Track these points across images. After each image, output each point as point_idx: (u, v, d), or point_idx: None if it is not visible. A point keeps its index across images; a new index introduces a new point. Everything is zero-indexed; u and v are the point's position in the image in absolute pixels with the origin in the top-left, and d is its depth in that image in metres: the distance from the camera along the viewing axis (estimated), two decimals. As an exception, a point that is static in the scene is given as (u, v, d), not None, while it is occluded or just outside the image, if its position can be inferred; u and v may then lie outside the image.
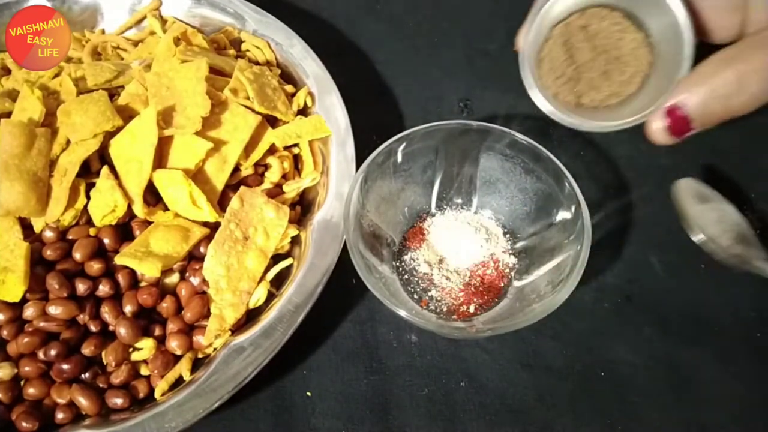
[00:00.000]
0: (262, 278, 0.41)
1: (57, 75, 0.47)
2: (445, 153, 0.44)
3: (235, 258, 0.40)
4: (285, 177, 0.47)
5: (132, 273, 0.40)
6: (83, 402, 0.36)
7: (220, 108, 0.45)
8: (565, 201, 0.40)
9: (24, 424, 0.35)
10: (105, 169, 0.41)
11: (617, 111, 0.31)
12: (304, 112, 0.50)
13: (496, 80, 0.57)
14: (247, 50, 0.53)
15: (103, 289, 0.39)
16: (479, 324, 0.40)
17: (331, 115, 0.48)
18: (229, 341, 0.38)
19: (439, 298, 0.43)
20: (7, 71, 0.50)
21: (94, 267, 0.39)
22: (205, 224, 0.42)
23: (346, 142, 0.46)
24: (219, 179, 0.43)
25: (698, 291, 0.45)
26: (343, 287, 0.43)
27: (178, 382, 0.38)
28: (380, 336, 0.43)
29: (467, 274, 0.43)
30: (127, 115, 0.43)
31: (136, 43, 0.53)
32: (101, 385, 0.38)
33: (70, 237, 0.40)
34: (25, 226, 0.40)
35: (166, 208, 0.42)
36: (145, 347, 0.38)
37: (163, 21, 0.54)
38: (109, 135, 0.42)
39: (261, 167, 0.47)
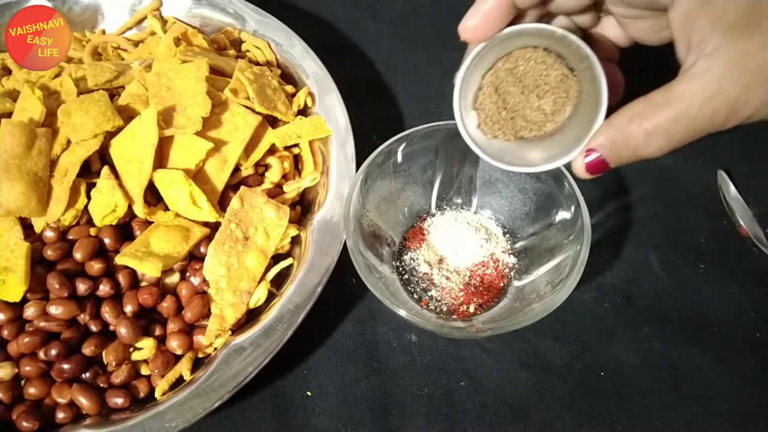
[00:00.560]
0: (262, 278, 0.41)
1: (57, 75, 0.47)
2: (445, 153, 0.44)
3: (236, 258, 0.40)
4: (285, 177, 0.47)
5: (132, 273, 0.40)
6: (84, 402, 0.36)
7: (221, 108, 0.45)
8: (565, 201, 0.40)
9: (24, 423, 0.35)
10: (105, 169, 0.41)
11: (557, 140, 0.32)
12: (304, 112, 0.50)
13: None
14: (248, 50, 0.53)
15: (104, 288, 0.39)
16: (479, 324, 0.40)
17: (331, 115, 0.48)
18: (229, 341, 0.38)
19: (439, 298, 0.43)
20: (8, 71, 0.50)
21: (95, 267, 0.39)
22: (205, 224, 0.42)
23: (346, 142, 0.46)
24: (219, 179, 0.43)
25: (698, 291, 0.45)
26: (343, 287, 0.43)
27: (179, 382, 0.38)
28: (380, 336, 0.43)
29: (467, 274, 0.43)
30: (128, 115, 0.43)
31: (136, 44, 0.53)
32: (102, 385, 0.38)
33: (71, 237, 0.40)
34: (26, 226, 0.40)
35: (166, 208, 0.42)
36: (146, 347, 0.38)
37: (164, 21, 0.54)
38: (110, 135, 0.42)
39: (261, 167, 0.47)
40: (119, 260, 0.38)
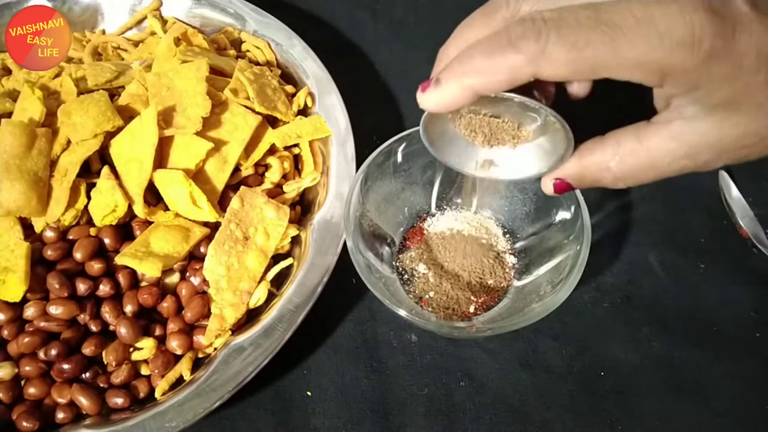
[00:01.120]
0: (262, 278, 0.41)
1: (57, 75, 0.47)
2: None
3: (236, 258, 0.40)
4: (285, 177, 0.47)
5: (132, 273, 0.40)
6: (84, 402, 0.36)
7: (221, 108, 0.45)
8: (565, 201, 0.40)
9: (24, 423, 0.35)
10: (105, 169, 0.41)
11: (527, 149, 0.33)
12: (304, 112, 0.50)
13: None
14: (248, 50, 0.53)
15: (104, 288, 0.39)
16: (479, 324, 0.40)
17: (331, 115, 0.48)
18: (229, 341, 0.38)
19: (438, 298, 0.43)
20: (8, 71, 0.50)
21: (95, 267, 0.39)
22: (205, 224, 0.42)
23: (346, 142, 0.46)
24: (219, 179, 0.43)
25: (697, 291, 0.45)
26: (343, 287, 0.43)
27: (179, 382, 0.38)
28: (380, 336, 0.43)
29: (467, 274, 0.43)
30: (128, 115, 0.44)
31: (136, 44, 0.53)
32: (102, 385, 0.38)
33: (71, 237, 0.40)
34: (26, 226, 0.40)
35: (166, 208, 0.42)
36: (146, 347, 0.38)
37: (164, 21, 0.54)
38: (110, 135, 0.42)
39: (261, 167, 0.47)
40: (119, 260, 0.38)
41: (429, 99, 0.28)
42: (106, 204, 0.40)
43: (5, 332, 0.38)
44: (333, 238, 0.42)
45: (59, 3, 0.54)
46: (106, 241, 0.40)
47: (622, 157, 0.28)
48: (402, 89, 0.58)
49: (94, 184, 0.41)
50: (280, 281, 0.42)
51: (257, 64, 0.52)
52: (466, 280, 0.43)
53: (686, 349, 0.43)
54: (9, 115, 0.43)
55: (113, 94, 0.46)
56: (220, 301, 0.39)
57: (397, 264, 0.45)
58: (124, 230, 0.42)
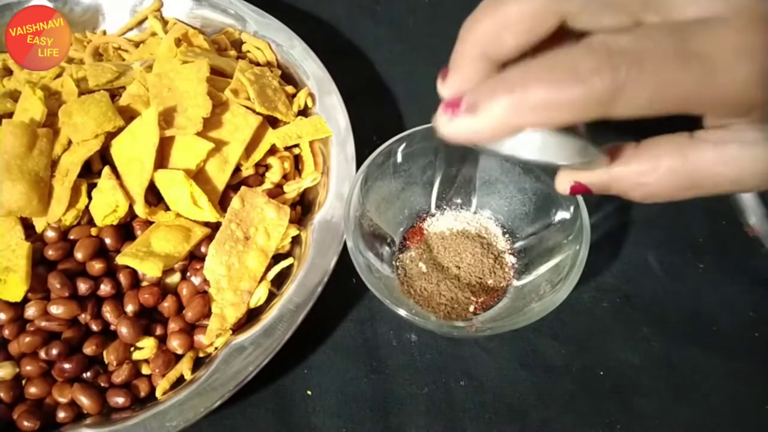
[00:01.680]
0: (262, 278, 0.41)
1: (58, 76, 0.47)
2: (445, 153, 0.44)
3: (236, 258, 0.40)
4: (285, 177, 0.47)
5: (133, 273, 0.40)
6: (84, 401, 0.36)
7: (221, 109, 0.45)
8: (564, 201, 0.40)
9: (25, 423, 0.35)
10: (106, 170, 0.41)
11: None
12: (304, 112, 0.50)
13: (496, 81, 0.57)
14: (248, 51, 0.54)
15: (105, 288, 0.39)
16: (479, 323, 0.40)
17: (331, 115, 0.48)
18: (230, 340, 0.39)
19: (438, 298, 0.43)
20: (9, 72, 0.50)
21: (96, 267, 0.39)
22: (206, 224, 0.42)
23: (346, 142, 0.46)
24: (220, 179, 0.43)
25: (697, 291, 0.45)
26: (343, 287, 0.44)
27: (180, 381, 0.38)
28: (380, 335, 0.43)
29: (467, 274, 0.43)
30: (129, 115, 0.44)
31: (137, 44, 0.53)
32: (102, 385, 0.38)
33: (72, 237, 0.40)
34: (27, 226, 0.40)
35: (167, 208, 0.42)
36: (147, 346, 0.38)
37: (165, 22, 0.54)
38: (111, 135, 0.43)
39: (262, 167, 0.47)
40: (120, 260, 0.38)
41: (460, 127, 0.23)
42: (107, 204, 0.40)
43: (6, 332, 0.38)
44: (333, 238, 0.42)
45: (60, 3, 0.54)
46: (107, 241, 0.40)
47: (661, 174, 0.24)
48: (402, 89, 0.58)
49: (95, 185, 0.41)
50: (280, 281, 0.42)
51: (258, 64, 0.52)
52: (466, 280, 0.43)
53: (686, 349, 0.43)
54: (10, 115, 0.43)
55: (114, 94, 0.46)
56: (220, 301, 0.39)
57: (397, 264, 0.45)
58: (125, 230, 0.42)
